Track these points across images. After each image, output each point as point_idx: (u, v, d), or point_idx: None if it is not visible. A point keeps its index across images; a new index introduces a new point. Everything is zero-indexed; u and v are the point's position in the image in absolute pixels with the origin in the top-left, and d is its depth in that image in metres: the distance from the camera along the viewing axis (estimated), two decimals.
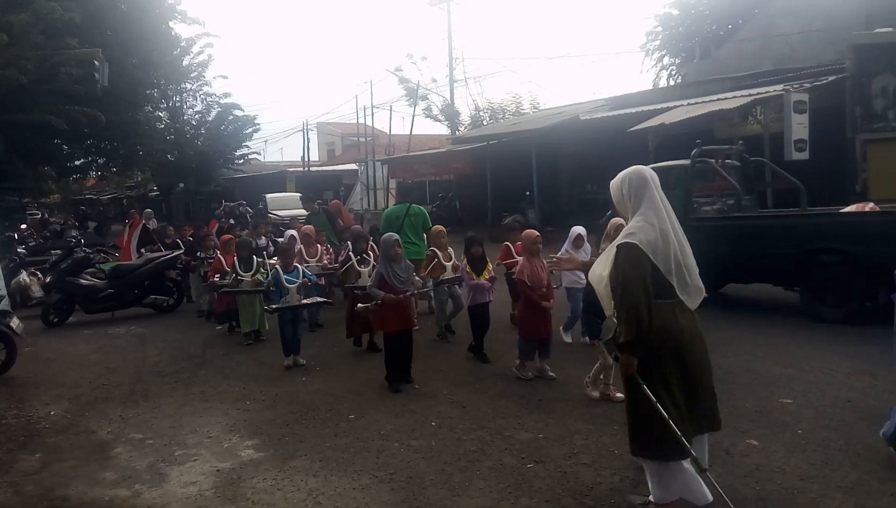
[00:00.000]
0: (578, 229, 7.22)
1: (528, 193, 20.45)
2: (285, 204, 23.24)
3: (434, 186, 29.54)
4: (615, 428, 4.79)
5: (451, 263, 7.48)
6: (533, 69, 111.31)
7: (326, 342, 7.92)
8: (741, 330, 7.57)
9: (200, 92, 32.99)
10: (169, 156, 29.69)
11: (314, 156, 43.03)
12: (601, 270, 3.35)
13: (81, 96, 17.44)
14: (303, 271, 7.37)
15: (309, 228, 9.43)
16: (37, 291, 10.84)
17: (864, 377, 5.70)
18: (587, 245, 7.22)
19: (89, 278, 10.43)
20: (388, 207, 24.68)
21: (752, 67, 18.90)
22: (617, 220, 5.68)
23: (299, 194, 15.27)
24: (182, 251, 10.72)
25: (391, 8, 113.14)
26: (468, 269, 7.01)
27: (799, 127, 13.58)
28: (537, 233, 6.34)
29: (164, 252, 11.11)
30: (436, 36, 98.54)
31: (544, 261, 6.15)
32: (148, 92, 24.23)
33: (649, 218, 3.21)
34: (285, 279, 7.05)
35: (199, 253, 10.09)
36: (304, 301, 7.14)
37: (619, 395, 5.08)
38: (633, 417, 3.31)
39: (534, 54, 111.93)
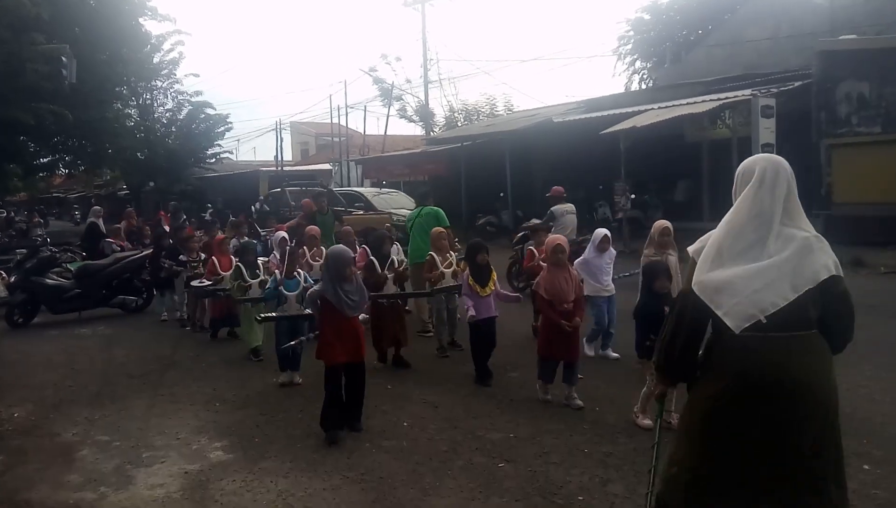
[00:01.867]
0: (604, 231, 6.70)
1: (501, 194, 20.57)
2: (398, 202, 18.77)
3: (408, 187, 29.61)
4: (585, 427, 4.85)
5: (451, 269, 6.72)
6: (507, 71, 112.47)
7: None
8: None
9: (171, 90, 32.69)
10: (139, 154, 29.27)
11: (288, 155, 42.68)
12: None
13: (48, 93, 17.11)
14: (305, 275, 6.61)
15: (315, 229, 8.59)
16: (1, 291, 10.60)
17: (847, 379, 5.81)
18: (612, 250, 6.69)
19: (55, 277, 10.19)
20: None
21: (721, 71, 19.24)
22: (661, 222, 5.45)
23: (317, 190, 13.53)
24: (152, 251, 10.42)
25: (365, 8, 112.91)
26: (470, 281, 6.12)
27: (766, 131, 13.86)
28: (561, 240, 5.53)
29: (133, 251, 10.90)
30: (410, 37, 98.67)
31: (573, 271, 5.56)
32: (117, 89, 23.92)
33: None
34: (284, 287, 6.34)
35: (181, 256, 9.28)
36: (306, 312, 6.01)
37: (646, 422, 4.68)
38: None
39: (508, 57, 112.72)
